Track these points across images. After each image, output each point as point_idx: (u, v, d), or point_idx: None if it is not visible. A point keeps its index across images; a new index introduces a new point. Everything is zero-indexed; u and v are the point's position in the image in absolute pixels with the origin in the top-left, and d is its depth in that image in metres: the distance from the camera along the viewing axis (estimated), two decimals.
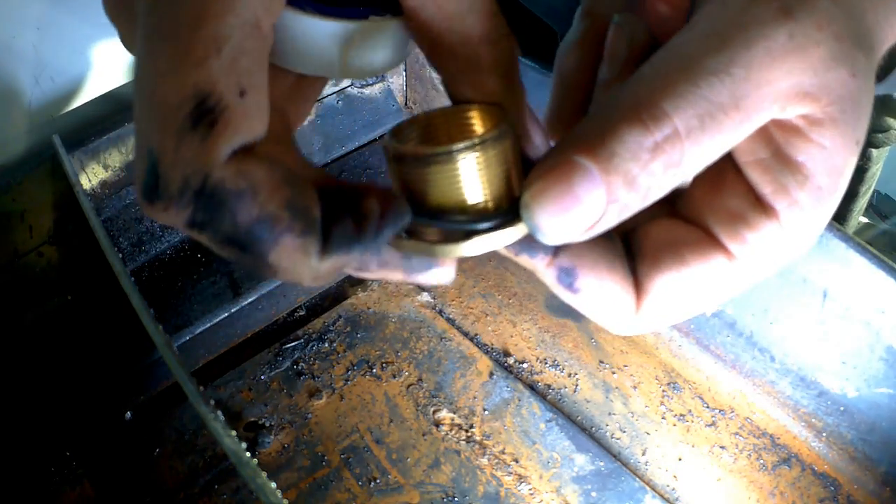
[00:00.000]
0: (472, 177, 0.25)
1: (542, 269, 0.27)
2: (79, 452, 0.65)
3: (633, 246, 0.28)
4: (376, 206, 0.23)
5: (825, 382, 0.69)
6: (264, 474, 0.41)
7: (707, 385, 0.74)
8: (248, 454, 0.41)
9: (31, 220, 0.67)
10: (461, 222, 0.25)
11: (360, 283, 0.82)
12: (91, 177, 0.70)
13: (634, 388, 0.73)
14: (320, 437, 0.68)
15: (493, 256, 0.84)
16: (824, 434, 0.70)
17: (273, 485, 0.41)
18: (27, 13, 0.61)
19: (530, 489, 0.65)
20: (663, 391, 0.73)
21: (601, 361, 0.75)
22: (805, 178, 0.24)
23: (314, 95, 0.29)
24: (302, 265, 0.23)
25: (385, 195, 0.24)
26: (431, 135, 0.28)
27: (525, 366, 0.75)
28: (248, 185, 0.21)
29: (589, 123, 0.24)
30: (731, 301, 0.73)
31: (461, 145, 0.24)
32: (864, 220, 1.86)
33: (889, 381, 0.65)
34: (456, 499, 0.64)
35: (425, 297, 0.80)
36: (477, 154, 0.25)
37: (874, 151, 1.47)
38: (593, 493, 0.65)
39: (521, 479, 0.66)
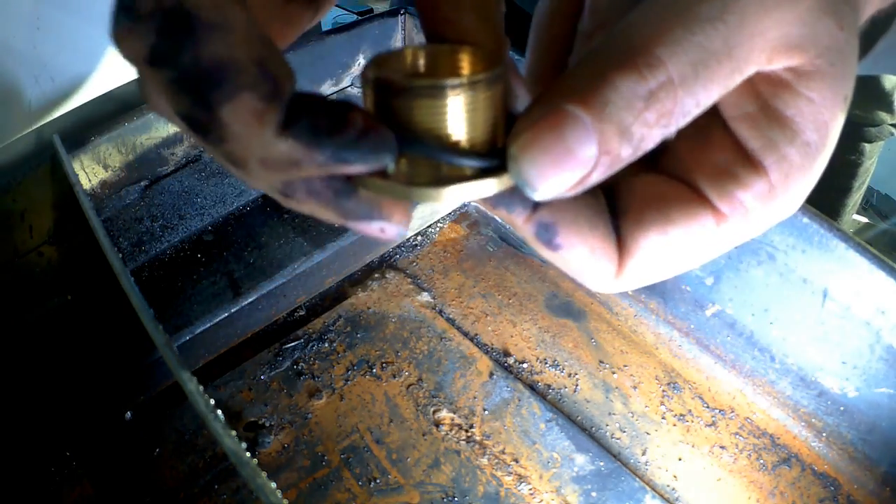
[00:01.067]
0: (458, 117, 0.23)
1: (520, 223, 0.26)
2: (79, 452, 0.65)
3: (616, 201, 0.27)
4: (361, 121, 0.22)
5: (825, 382, 0.69)
6: (264, 474, 0.41)
7: (707, 385, 0.74)
8: (248, 454, 0.41)
9: (31, 220, 0.67)
10: (442, 154, 0.23)
11: (360, 282, 0.82)
12: (91, 177, 0.70)
13: (634, 388, 0.73)
14: (320, 437, 0.68)
15: (493, 256, 0.84)
16: (824, 434, 0.70)
17: (273, 485, 0.41)
18: (27, 13, 0.61)
19: (530, 489, 0.65)
20: (663, 391, 0.73)
21: (601, 361, 0.75)
22: (794, 133, 0.24)
23: (300, 23, 0.28)
24: (254, 134, 0.21)
25: (371, 118, 0.23)
26: (418, 69, 0.26)
27: (525, 366, 0.75)
28: (222, 22, 0.20)
29: (579, 71, 0.23)
30: (731, 301, 0.73)
31: (453, 81, 0.23)
32: (864, 220, 1.86)
33: (889, 381, 0.65)
34: (456, 499, 0.64)
35: (425, 297, 0.80)
36: (468, 93, 0.23)
37: (867, 146, 1.46)
38: (593, 493, 0.65)
39: (521, 479, 0.66)
